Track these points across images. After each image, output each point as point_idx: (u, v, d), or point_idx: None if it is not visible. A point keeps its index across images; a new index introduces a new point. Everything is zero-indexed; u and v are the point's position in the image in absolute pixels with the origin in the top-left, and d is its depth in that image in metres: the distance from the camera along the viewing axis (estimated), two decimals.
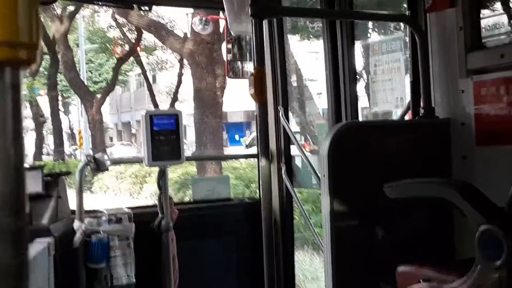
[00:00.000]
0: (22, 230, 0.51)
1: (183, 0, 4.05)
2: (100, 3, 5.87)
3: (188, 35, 11.04)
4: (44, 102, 26.87)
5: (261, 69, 2.66)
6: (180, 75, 20.60)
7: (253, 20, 2.58)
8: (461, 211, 1.89)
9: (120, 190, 15.31)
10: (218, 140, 10.39)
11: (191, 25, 7.82)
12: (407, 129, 2.80)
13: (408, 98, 3.07)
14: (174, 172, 13.20)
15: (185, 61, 19.37)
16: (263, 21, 2.69)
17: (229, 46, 3.86)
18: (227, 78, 10.67)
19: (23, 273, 0.51)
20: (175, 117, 3.28)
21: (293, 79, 4.74)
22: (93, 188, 16.51)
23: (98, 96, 20.32)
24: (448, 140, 2.68)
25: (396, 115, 4.16)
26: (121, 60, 20.84)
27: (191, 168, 13.24)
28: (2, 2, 0.51)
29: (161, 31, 11.75)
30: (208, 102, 10.33)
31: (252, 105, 2.96)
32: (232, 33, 3.61)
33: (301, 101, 4.87)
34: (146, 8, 4.02)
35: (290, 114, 3.75)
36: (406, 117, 3.11)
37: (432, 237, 2.57)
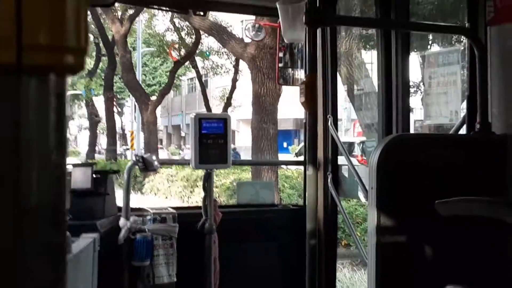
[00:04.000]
0: (61, 245, 0.49)
1: (238, 6, 4.05)
2: (157, 8, 5.98)
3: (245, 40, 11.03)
4: (99, 103, 27.61)
5: (313, 77, 2.63)
6: (234, 80, 20.70)
7: (307, 28, 2.55)
8: None
9: (170, 193, 15.46)
10: (274, 147, 10.35)
11: (244, 31, 7.85)
12: (460, 144, 2.69)
13: (463, 113, 2.97)
14: (227, 178, 13.24)
15: (241, 66, 19.49)
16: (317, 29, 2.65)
17: (281, 54, 3.86)
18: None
19: None
20: (224, 121, 3.29)
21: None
22: (144, 189, 16.75)
23: (153, 98, 20.66)
24: (504, 158, 2.57)
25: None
26: (178, 63, 21.03)
27: (245, 174, 13.23)
28: (48, 1, 0.47)
29: (222, 34, 11.66)
30: (267, 108, 10.29)
31: (301, 113, 2.93)
32: (286, 41, 3.60)
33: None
34: (201, 13, 4.06)
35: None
36: (461, 132, 3.00)
37: (483, 259, 2.46)
